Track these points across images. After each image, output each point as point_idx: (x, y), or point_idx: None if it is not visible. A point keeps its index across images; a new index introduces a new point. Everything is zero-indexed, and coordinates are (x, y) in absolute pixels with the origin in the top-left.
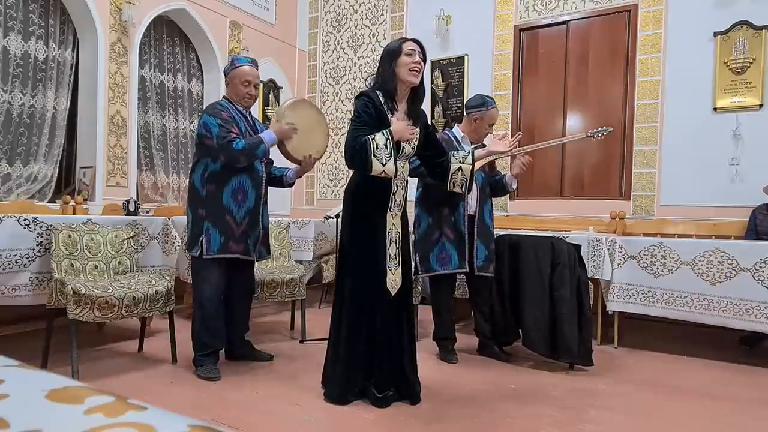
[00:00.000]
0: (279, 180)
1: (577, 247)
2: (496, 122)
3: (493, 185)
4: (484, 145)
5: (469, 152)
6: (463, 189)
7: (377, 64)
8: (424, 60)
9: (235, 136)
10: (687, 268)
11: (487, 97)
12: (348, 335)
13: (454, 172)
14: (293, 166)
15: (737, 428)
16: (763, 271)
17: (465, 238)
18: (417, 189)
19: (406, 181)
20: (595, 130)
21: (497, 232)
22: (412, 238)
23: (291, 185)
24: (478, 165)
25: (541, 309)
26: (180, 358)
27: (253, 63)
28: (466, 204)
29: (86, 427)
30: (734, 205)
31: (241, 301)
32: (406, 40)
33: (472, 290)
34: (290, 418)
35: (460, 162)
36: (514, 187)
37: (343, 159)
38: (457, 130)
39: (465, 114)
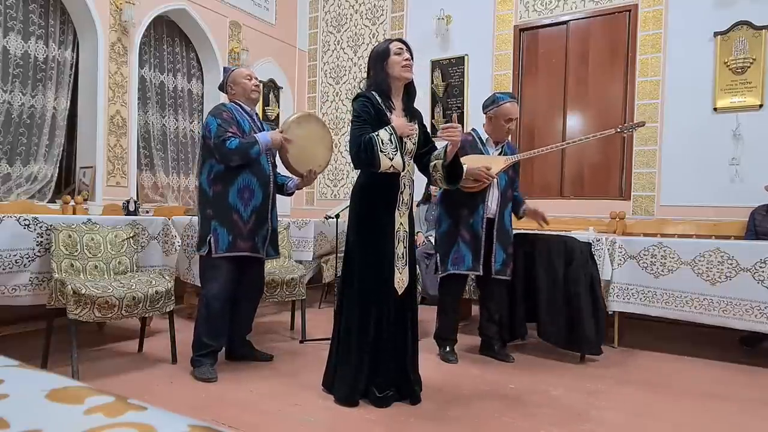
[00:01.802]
0: (280, 187)
1: (588, 245)
2: (514, 117)
3: (514, 202)
4: (512, 150)
5: (443, 149)
6: (443, 184)
7: (367, 67)
8: (412, 57)
9: (230, 135)
10: (687, 268)
11: (502, 93)
12: (358, 335)
13: (432, 170)
14: (296, 176)
15: (738, 428)
16: (763, 271)
17: (481, 240)
18: (438, 189)
19: (412, 180)
20: (625, 126)
21: None
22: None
23: (291, 194)
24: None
25: (556, 304)
26: (180, 358)
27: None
28: (486, 207)
29: (86, 427)
30: (734, 205)
31: (248, 301)
32: (391, 40)
33: (485, 292)
34: (290, 418)
35: (435, 159)
36: (520, 216)
37: (343, 159)
38: (482, 132)
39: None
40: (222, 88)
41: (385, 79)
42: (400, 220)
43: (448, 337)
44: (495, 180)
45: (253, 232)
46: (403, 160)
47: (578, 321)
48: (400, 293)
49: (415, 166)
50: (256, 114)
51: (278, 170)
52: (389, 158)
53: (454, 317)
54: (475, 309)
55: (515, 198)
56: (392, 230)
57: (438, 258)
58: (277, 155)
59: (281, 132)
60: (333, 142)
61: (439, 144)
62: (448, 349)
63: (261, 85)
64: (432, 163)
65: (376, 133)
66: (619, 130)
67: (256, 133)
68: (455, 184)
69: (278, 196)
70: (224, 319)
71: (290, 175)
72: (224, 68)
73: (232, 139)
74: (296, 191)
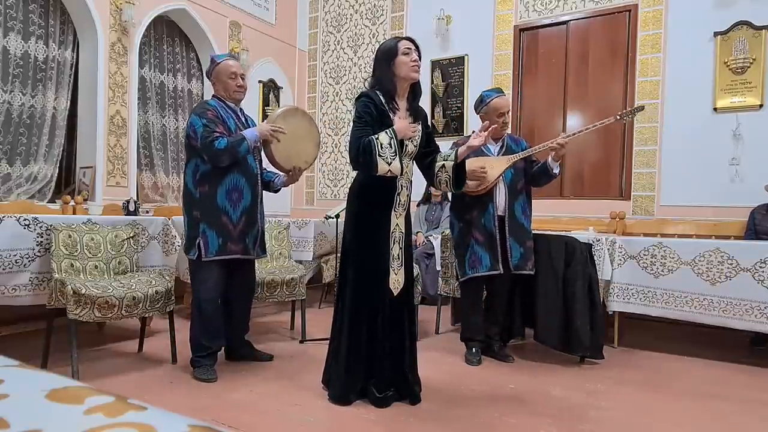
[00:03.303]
0: (266, 184)
1: (589, 246)
2: (505, 110)
3: (535, 173)
4: (515, 141)
5: (453, 150)
6: (449, 186)
7: (373, 65)
8: (420, 57)
9: (218, 135)
10: (687, 268)
11: (488, 90)
12: (350, 335)
13: (438, 170)
14: (282, 173)
15: (738, 428)
16: (763, 271)
17: (496, 239)
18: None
19: (411, 181)
20: (624, 111)
21: None
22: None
23: (277, 191)
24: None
25: (555, 305)
26: (180, 358)
27: (233, 57)
28: (495, 205)
29: (86, 427)
30: (734, 205)
31: (241, 301)
32: (399, 39)
33: (492, 292)
34: (290, 418)
35: (443, 160)
36: (556, 171)
37: (343, 159)
38: None
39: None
40: (209, 76)
41: (391, 79)
42: (396, 221)
43: (471, 338)
44: (501, 178)
45: (243, 234)
46: (401, 164)
47: (572, 323)
48: (395, 294)
49: (414, 167)
50: (241, 109)
51: (264, 166)
52: (387, 163)
53: (478, 318)
54: None
55: (538, 172)
56: (387, 231)
57: (456, 264)
58: (263, 151)
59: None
60: (320, 138)
61: (441, 144)
62: (474, 350)
63: (247, 85)
64: (440, 163)
65: (376, 136)
66: (618, 117)
67: (242, 130)
68: (460, 187)
69: (276, 196)
70: (219, 320)
71: (276, 171)
72: (211, 57)
73: (221, 138)
74: (283, 188)
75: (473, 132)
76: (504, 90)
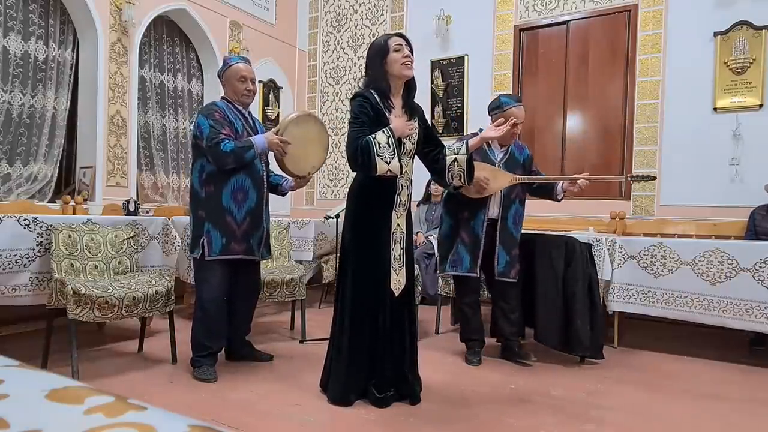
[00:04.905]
0: (274, 187)
1: (589, 246)
2: (520, 121)
3: (539, 188)
4: (519, 149)
5: (464, 143)
6: (462, 180)
7: (365, 64)
8: (412, 52)
9: (224, 137)
10: (687, 268)
11: (507, 96)
12: (351, 335)
13: (450, 164)
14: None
15: (737, 428)
16: (763, 271)
17: (481, 243)
18: (445, 189)
19: (411, 181)
20: (635, 176)
21: None
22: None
23: (284, 194)
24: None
25: (555, 305)
26: (180, 358)
27: (246, 61)
28: (487, 210)
29: (86, 427)
30: (734, 205)
31: (244, 301)
32: (390, 35)
33: (496, 293)
34: (290, 418)
35: (454, 153)
36: (560, 198)
37: (343, 159)
38: None
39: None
40: (220, 77)
41: (384, 77)
42: (397, 221)
43: (470, 338)
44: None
45: (247, 234)
46: (400, 163)
47: (572, 323)
48: (396, 294)
49: (414, 166)
50: (249, 112)
51: (272, 169)
52: (386, 162)
53: (476, 318)
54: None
55: (546, 188)
56: (388, 231)
57: (438, 258)
58: (271, 155)
59: (277, 132)
60: (329, 143)
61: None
62: (474, 350)
63: (256, 89)
64: (451, 157)
65: (374, 135)
66: (630, 178)
67: (249, 132)
68: (471, 181)
69: (272, 197)
70: (221, 320)
71: (284, 175)
72: (224, 58)
73: (227, 141)
74: (291, 191)
75: (479, 129)
76: (504, 90)
